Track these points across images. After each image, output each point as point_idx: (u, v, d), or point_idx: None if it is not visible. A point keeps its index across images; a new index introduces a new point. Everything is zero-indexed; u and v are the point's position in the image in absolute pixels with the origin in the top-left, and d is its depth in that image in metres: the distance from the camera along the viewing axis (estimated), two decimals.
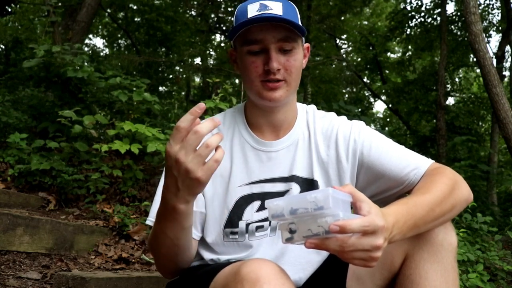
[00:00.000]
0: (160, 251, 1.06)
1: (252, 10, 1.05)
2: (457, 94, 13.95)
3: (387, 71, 15.28)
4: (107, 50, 15.06)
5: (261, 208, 1.13)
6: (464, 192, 1.06)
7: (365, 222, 0.77)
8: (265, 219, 1.13)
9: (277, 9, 1.05)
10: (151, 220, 1.13)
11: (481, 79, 10.20)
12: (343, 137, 1.17)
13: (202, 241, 1.18)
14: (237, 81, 11.80)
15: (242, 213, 1.13)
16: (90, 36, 14.45)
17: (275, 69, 1.05)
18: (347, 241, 0.77)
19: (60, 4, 6.96)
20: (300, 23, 1.08)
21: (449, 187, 1.03)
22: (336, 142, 1.17)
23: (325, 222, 0.76)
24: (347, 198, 0.82)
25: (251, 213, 1.13)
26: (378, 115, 19.95)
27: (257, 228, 1.13)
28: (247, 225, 1.13)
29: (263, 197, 1.14)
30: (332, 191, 0.77)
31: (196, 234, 1.14)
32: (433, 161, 1.15)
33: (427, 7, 11.59)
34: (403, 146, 1.18)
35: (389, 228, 0.84)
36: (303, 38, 1.12)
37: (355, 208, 0.83)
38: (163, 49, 13.01)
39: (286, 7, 1.07)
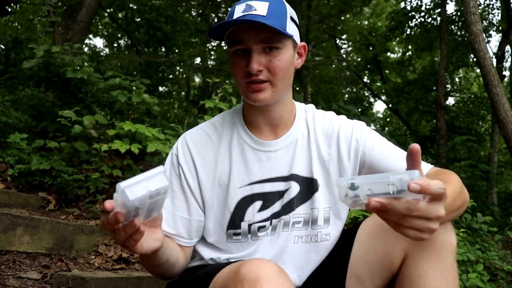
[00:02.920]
0: (148, 268, 1.11)
1: (238, 11, 1.05)
2: (457, 94, 13.95)
3: (387, 71, 15.28)
4: (107, 50, 15.07)
5: (263, 208, 1.14)
6: (467, 194, 1.07)
7: (442, 184, 0.74)
8: (267, 219, 1.14)
9: (261, 9, 1.03)
10: None
11: (481, 79, 10.19)
12: (345, 136, 1.17)
13: (203, 240, 1.18)
14: None
15: (244, 214, 1.13)
16: (90, 36, 14.45)
17: (254, 70, 1.04)
18: (416, 205, 0.73)
19: (60, 4, 6.96)
20: (288, 23, 1.07)
21: (460, 184, 1.04)
22: (337, 141, 1.17)
23: (400, 180, 0.71)
24: (153, 172, 0.78)
25: (252, 214, 1.13)
26: (378, 115, 19.95)
27: (259, 228, 1.13)
28: (249, 225, 1.13)
29: (264, 197, 1.14)
30: (123, 183, 0.73)
31: (189, 242, 1.15)
32: (432, 165, 1.16)
33: (427, 7, 11.60)
34: (403, 150, 1.18)
35: None
36: (295, 38, 1.10)
37: None
38: (163, 49, 13.01)
39: (272, 7, 1.05)
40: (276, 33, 1.04)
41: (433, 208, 0.75)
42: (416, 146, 0.79)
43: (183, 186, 1.15)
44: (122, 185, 0.73)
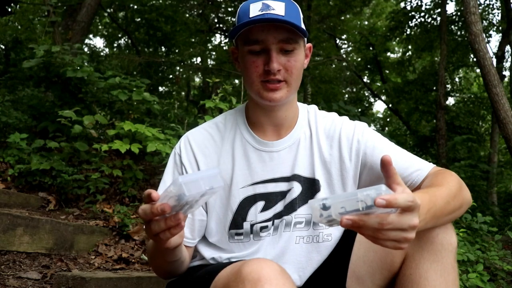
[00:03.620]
0: (158, 265, 1.12)
1: (254, 10, 1.05)
2: (457, 94, 13.95)
3: (387, 71, 15.28)
4: (107, 50, 15.07)
5: (265, 208, 1.14)
6: (468, 194, 1.08)
7: (410, 197, 0.75)
8: (269, 219, 1.14)
9: (279, 9, 1.04)
10: None
11: (481, 79, 10.20)
12: (346, 137, 1.17)
13: (204, 240, 1.18)
14: (236, 81, 11.80)
15: (246, 214, 1.13)
16: (90, 36, 14.45)
17: (275, 70, 1.05)
18: (387, 218, 0.75)
19: (60, 4, 6.96)
20: (302, 24, 1.08)
21: (458, 185, 1.04)
22: (339, 142, 1.17)
23: (367, 196, 0.72)
24: (205, 174, 0.80)
25: (255, 214, 1.13)
26: (378, 115, 19.95)
27: (262, 228, 1.13)
28: (252, 225, 1.13)
29: (266, 197, 1.14)
30: (182, 177, 0.75)
31: (192, 242, 1.15)
32: (434, 165, 1.16)
33: (427, 7, 11.60)
34: (404, 150, 1.18)
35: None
36: (305, 39, 1.12)
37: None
38: (163, 49, 13.01)
39: (289, 7, 1.06)
40: (294, 33, 1.05)
41: (405, 219, 0.76)
42: (386, 158, 0.81)
43: None
44: (181, 179, 0.75)
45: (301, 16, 1.11)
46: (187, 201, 0.77)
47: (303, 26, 1.08)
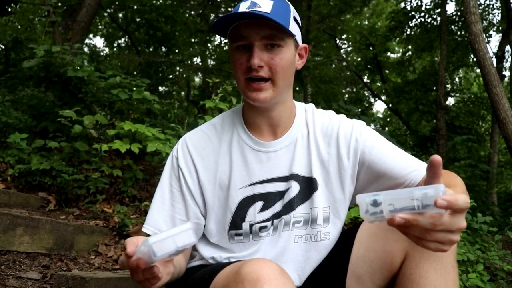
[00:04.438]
0: None
1: (243, 7, 1.06)
2: (457, 94, 13.95)
3: (387, 71, 15.28)
4: (107, 50, 15.07)
5: (264, 208, 1.14)
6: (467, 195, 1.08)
7: (467, 198, 0.75)
8: (268, 219, 1.14)
9: (266, 7, 1.04)
10: (147, 227, 1.15)
11: (481, 79, 10.20)
12: (344, 136, 1.17)
13: (204, 239, 1.18)
14: None
15: (245, 214, 1.13)
16: (90, 36, 14.45)
17: (256, 65, 1.04)
18: (440, 219, 0.73)
19: (60, 4, 6.96)
20: (291, 22, 1.07)
21: (464, 186, 1.05)
22: (337, 140, 1.17)
23: (425, 194, 0.70)
24: (179, 230, 0.82)
25: (253, 214, 1.13)
26: (378, 115, 19.94)
27: (261, 228, 1.13)
28: (251, 226, 1.13)
29: (265, 197, 1.14)
30: (151, 238, 0.78)
31: None
32: None
33: (427, 7, 11.60)
34: (402, 149, 1.18)
35: None
36: (297, 38, 1.11)
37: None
38: (163, 49, 13.01)
39: (277, 5, 1.06)
40: (279, 30, 1.05)
41: (456, 220, 0.74)
42: (437, 158, 0.79)
43: (182, 189, 1.15)
44: (150, 240, 0.77)
45: (292, 15, 1.10)
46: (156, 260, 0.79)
47: (291, 25, 1.07)
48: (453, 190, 0.94)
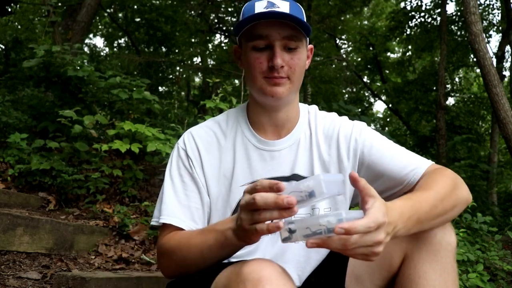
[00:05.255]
0: (181, 260, 1.06)
1: (260, 7, 1.06)
2: (457, 94, 13.95)
3: (387, 71, 15.28)
4: (107, 50, 15.07)
5: None
6: (464, 193, 1.07)
7: (370, 223, 0.77)
8: None
9: (284, 7, 1.06)
10: (165, 218, 1.12)
11: (481, 79, 10.20)
12: (344, 137, 1.17)
13: None
14: (236, 81, 11.79)
15: None
16: (90, 36, 14.45)
17: (279, 65, 1.05)
18: (349, 240, 0.77)
19: (60, 4, 6.96)
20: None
21: (450, 186, 1.04)
22: (337, 141, 1.17)
23: (328, 221, 0.75)
24: (339, 178, 0.84)
25: None
26: (378, 115, 19.95)
27: None
28: None
29: None
30: (323, 175, 0.78)
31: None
32: (433, 162, 1.15)
33: (427, 7, 11.60)
34: (403, 147, 1.18)
35: (393, 223, 0.84)
36: (307, 39, 1.13)
37: (361, 201, 0.84)
38: (163, 49, 13.01)
39: (293, 6, 1.08)
40: (297, 31, 1.06)
41: (369, 237, 0.78)
42: (353, 175, 0.82)
43: (194, 177, 1.14)
44: (322, 176, 0.78)
45: (305, 16, 1.13)
46: (315, 200, 0.80)
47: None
48: (420, 194, 0.98)
